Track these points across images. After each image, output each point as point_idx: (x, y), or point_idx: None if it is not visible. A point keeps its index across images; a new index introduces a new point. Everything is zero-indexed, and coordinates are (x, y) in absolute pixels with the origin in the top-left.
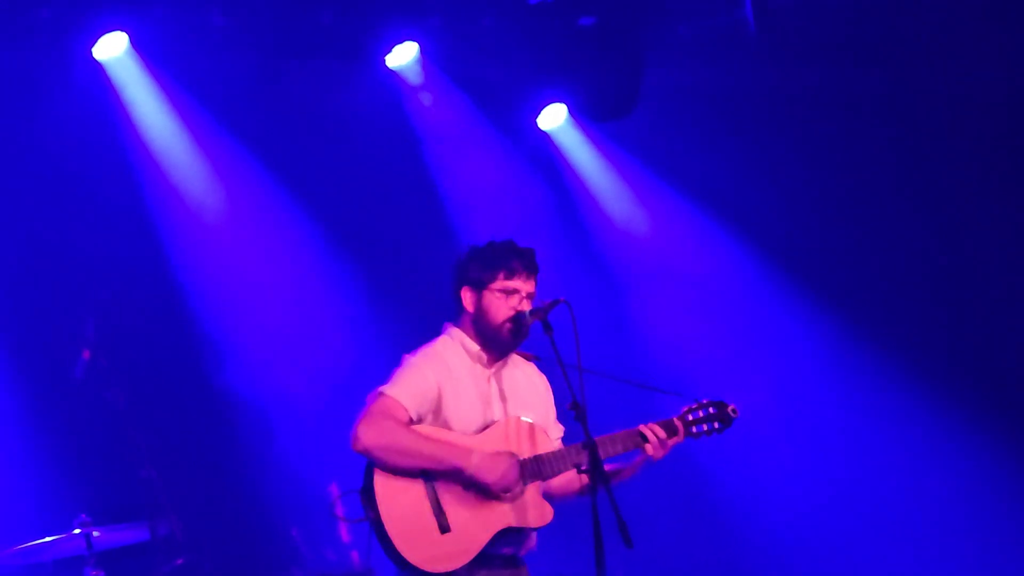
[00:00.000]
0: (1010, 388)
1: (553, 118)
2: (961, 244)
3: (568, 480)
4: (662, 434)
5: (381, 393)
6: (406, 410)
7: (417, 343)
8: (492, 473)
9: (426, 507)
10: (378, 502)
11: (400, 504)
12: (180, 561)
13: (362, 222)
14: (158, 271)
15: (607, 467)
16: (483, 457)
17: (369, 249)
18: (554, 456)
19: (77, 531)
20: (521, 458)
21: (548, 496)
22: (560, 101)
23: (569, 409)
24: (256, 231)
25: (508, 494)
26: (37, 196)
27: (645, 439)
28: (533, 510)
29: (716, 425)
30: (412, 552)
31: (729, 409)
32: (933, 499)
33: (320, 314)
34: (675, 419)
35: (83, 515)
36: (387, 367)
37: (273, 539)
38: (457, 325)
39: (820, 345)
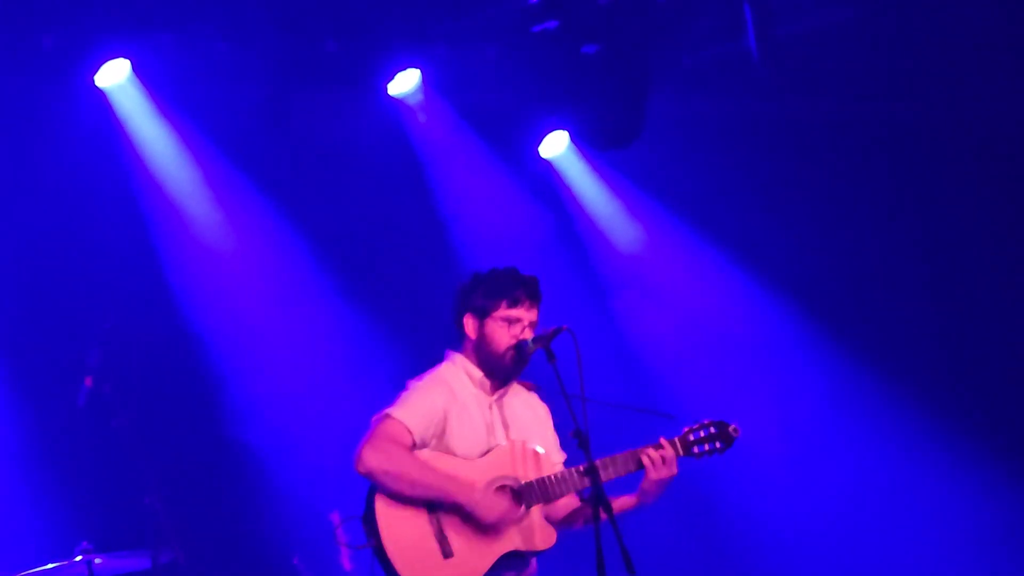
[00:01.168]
0: (1010, 404)
1: (555, 146)
2: (962, 269)
3: (571, 510)
4: (659, 453)
5: (387, 415)
6: (411, 433)
7: (419, 368)
8: (493, 512)
9: (428, 532)
10: (380, 528)
11: (402, 530)
12: None
13: (365, 249)
14: (162, 299)
15: (617, 501)
16: (485, 495)
17: (372, 275)
18: (557, 478)
19: (79, 558)
20: (524, 481)
21: (551, 522)
22: (562, 128)
23: (572, 437)
24: (260, 259)
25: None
26: (40, 223)
27: (642, 461)
28: (537, 534)
29: (718, 445)
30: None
31: (730, 429)
32: (932, 512)
33: (323, 341)
34: (676, 439)
35: (85, 542)
36: (389, 393)
37: (275, 567)
38: (459, 352)
39: (823, 373)
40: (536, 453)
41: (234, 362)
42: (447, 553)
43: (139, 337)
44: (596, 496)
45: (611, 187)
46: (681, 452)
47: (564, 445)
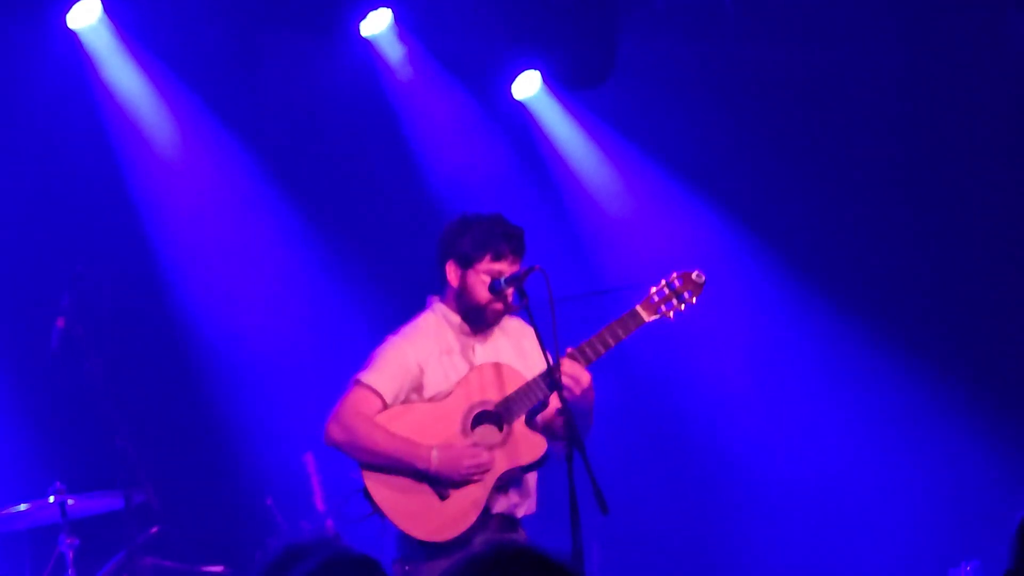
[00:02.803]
0: (1004, 353)
1: (527, 86)
2: (951, 222)
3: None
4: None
5: (356, 381)
6: (380, 397)
7: (393, 315)
8: (458, 469)
9: (419, 482)
10: (373, 494)
11: (394, 488)
12: (155, 530)
13: (338, 191)
14: (133, 240)
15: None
16: (442, 456)
17: (344, 218)
18: (524, 391)
19: (52, 499)
20: (494, 403)
21: (551, 432)
22: (534, 68)
23: (542, 378)
24: (232, 202)
25: (488, 455)
26: (10, 166)
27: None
28: (522, 447)
29: (687, 295)
30: (419, 529)
31: (694, 275)
32: (929, 484)
33: (296, 284)
34: (637, 307)
35: (58, 483)
36: (362, 337)
37: (248, 508)
38: (440, 296)
39: (803, 319)
40: (507, 368)
41: (207, 303)
42: (443, 496)
43: (111, 278)
44: (569, 435)
45: (584, 127)
46: (647, 318)
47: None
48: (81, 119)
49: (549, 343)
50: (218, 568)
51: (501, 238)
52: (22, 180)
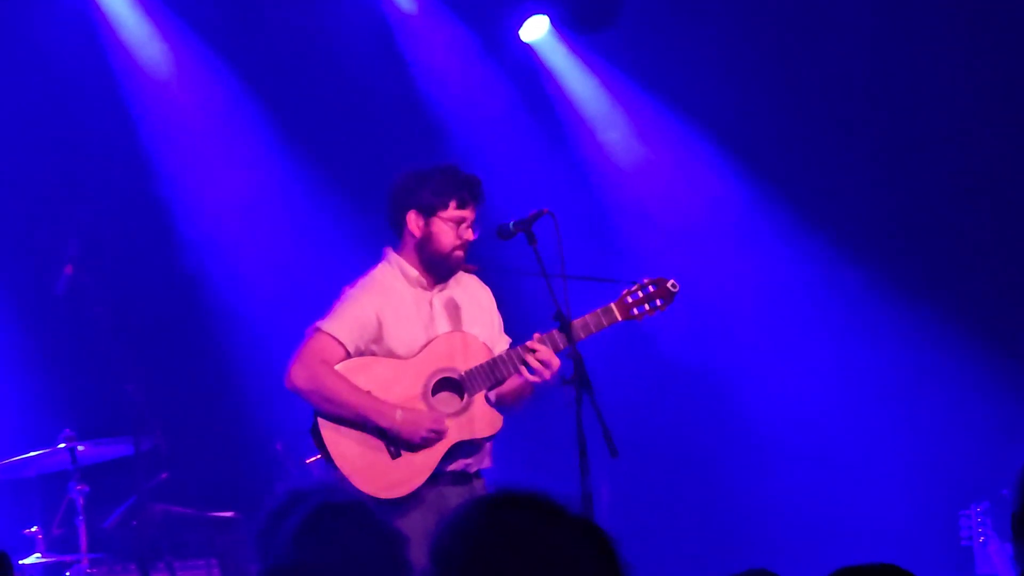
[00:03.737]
0: (1020, 311)
1: (535, 29)
2: (958, 151)
3: (519, 386)
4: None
5: (317, 329)
6: (342, 345)
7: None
8: (417, 431)
9: (373, 437)
10: (325, 439)
11: (349, 438)
12: (164, 475)
13: (342, 133)
14: (141, 187)
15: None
16: (406, 417)
17: (350, 160)
18: (503, 359)
19: (62, 445)
20: (464, 371)
21: (502, 404)
22: (542, 12)
23: (554, 320)
24: (240, 145)
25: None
26: (17, 112)
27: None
28: (478, 422)
29: (659, 303)
30: (367, 484)
31: (668, 284)
32: (939, 427)
33: (304, 229)
34: (612, 304)
35: (67, 430)
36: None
37: (257, 453)
38: (397, 249)
39: (811, 265)
40: (476, 340)
41: (215, 248)
42: (394, 455)
43: (119, 225)
44: (579, 379)
45: (593, 71)
46: (619, 317)
47: (545, 327)
48: (88, 65)
49: (558, 290)
50: (228, 513)
51: (463, 185)
52: (30, 128)
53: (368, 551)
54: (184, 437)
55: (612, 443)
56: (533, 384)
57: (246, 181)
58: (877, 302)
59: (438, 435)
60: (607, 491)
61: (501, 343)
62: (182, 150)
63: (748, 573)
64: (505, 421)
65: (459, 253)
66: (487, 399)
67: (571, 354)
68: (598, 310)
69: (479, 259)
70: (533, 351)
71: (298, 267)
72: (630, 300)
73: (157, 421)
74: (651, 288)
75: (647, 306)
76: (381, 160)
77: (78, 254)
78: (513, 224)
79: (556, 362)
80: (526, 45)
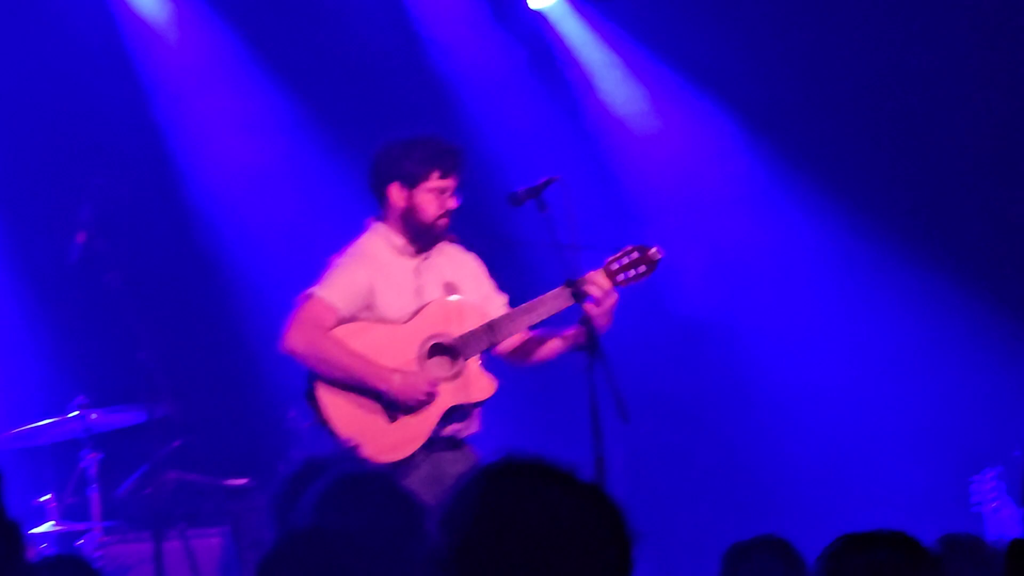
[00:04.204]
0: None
1: None
2: (976, 121)
3: (523, 343)
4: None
5: (311, 295)
6: (336, 311)
7: None
8: (414, 394)
9: (370, 401)
10: (323, 404)
11: (348, 402)
12: (178, 443)
13: (350, 98)
14: (154, 153)
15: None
16: (403, 380)
17: (359, 126)
18: (484, 329)
19: (75, 413)
20: (458, 335)
21: (525, 357)
22: None
23: (566, 287)
24: (253, 112)
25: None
26: (29, 77)
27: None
28: (473, 385)
29: (642, 269)
30: (364, 447)
31: (651, 252)
32: (952, 392)
33: (317, 195)
34: (600, 270)
35: (80, 397)
36: None
37: (271, 421)
38: (381, 219)
39: (823, 231)
40: (469, 305)
41: (228, 215)
42: (392, 418)
43: (132, 192)
44: (590, 344)
45: (604, 38)
46: (604, 286)
47: (534, 293)
48: (101, 31)
49: (565, 257)
50: (241, 481)
51: (446, 155)
52: (40, 93)
53: (390, 521)
54: (197, 405)
55: (624, 408)
56: (572, 340)
57: (259, 147)
58: (891, 268)
59: (433, 398)
60: (620, 456)
61: (497, 303)
62: (195, 116)
63: (759, 538)
64: (519, 387)
65: (443, 221)
66: (500, 356)
67: (582, 320)
68: (576, 279)
69: (488, 225)
70: (594, 283)
71: (310, 233)
72: (615, 267)
73: (170, 389)
74: (635, 255)
75: (631, 272)
76: (392, 127)
77: (91, 221)
78: (524, 192)
79: (615, 294)
80: (535, 12)
